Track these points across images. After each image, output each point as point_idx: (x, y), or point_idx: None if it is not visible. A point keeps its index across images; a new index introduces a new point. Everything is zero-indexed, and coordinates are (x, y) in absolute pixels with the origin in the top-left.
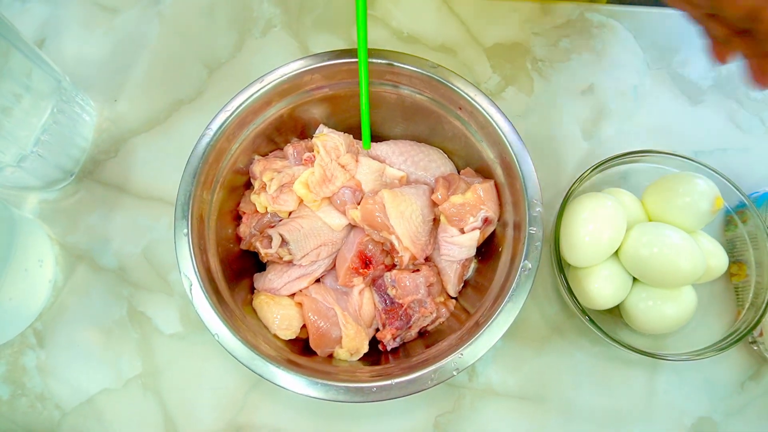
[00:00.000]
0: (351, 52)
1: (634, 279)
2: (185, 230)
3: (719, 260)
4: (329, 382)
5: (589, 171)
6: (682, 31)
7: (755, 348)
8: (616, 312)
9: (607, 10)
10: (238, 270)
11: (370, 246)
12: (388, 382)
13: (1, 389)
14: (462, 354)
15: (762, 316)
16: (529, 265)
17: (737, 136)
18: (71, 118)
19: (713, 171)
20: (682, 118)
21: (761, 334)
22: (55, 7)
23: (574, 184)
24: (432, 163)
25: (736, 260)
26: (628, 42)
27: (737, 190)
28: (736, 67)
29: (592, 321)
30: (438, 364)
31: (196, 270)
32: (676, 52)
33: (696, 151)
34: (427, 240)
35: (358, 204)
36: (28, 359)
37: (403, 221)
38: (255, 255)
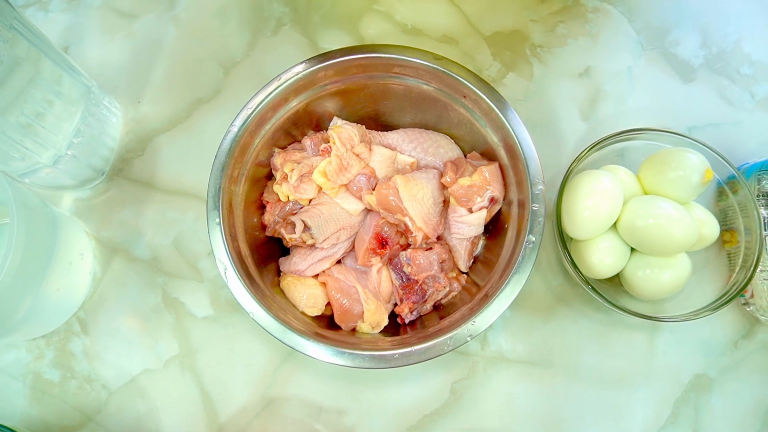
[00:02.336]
0: (361, 49)
1: (632, 249)
2: (217, 219)
3: (711, 229)
4: (355, 351)
5: (586, 150)
6: (673, 12)
7: (748, 309)
8: (616, 280)
9: None
10: (265, 255)
11: (385, 228)
12: (408, 349)
13: (52, 373)
14: (474, 322)
15: (751, 276)
16: (533, 239)
17: (729, 111)
18: (100, 120)
19: (704, 146)
20: (675, 96)
21: (752, 296)
22: (76, 15)
23: (573, 162)
24: (440, 149)
25: (728, 228)
26: (621, 25)
27: (727, 162)
28: (726, 44)
29: (594, 289)
30: (453, 332)
31: (230, 255)
32: (668, 32)
33: (690, 127)
34: (438, 220)
35: (373, 190)
36: (74, 345)
37: (416, 204)
38: (279, 241)
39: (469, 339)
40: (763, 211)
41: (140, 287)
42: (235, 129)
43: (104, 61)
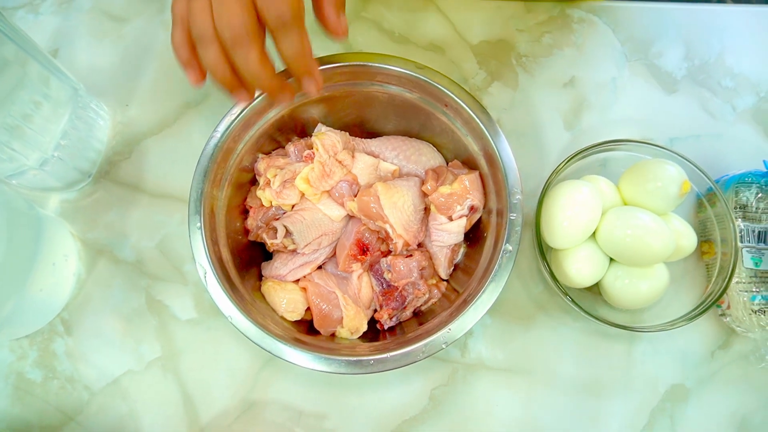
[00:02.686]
0: (345, 57)
1: (611, 259)
2: (198, 224)
3: (689, 240)
4: (331, 356)
5: (565, 161)
6: (657, 24)
7: (725, 320)
8: (595, 290)
9: (586, 5)
10: (247, 259)
11: (366, 234)
12: (384, 355)
13: (34, 373)
14: (450, 329)
15: (726, 286)
16: (510, 248)
17: (710, 123)
18: (87, 123)
19: (683, 158)
20: (658, 107)
21: (729, 307)
22: (66, 18)
23: (552, 172)
24: (422, 157)
25: (706, 239)
26: (606, 36)
27: (704, 175)
28: (708, 56)
29: (572, 300)
30: (428, 339)
31: (210, 259)
32: (652, 44)
33: (672, 138)
34: (418, 228)
35: (355, 196)
36: (57, 345)
37: (396, 211)
38: (262, 245)
39: (444, 346)
40: (740, 223)
41: (124, 289)
42: (218, 134)
43: (93, 64)
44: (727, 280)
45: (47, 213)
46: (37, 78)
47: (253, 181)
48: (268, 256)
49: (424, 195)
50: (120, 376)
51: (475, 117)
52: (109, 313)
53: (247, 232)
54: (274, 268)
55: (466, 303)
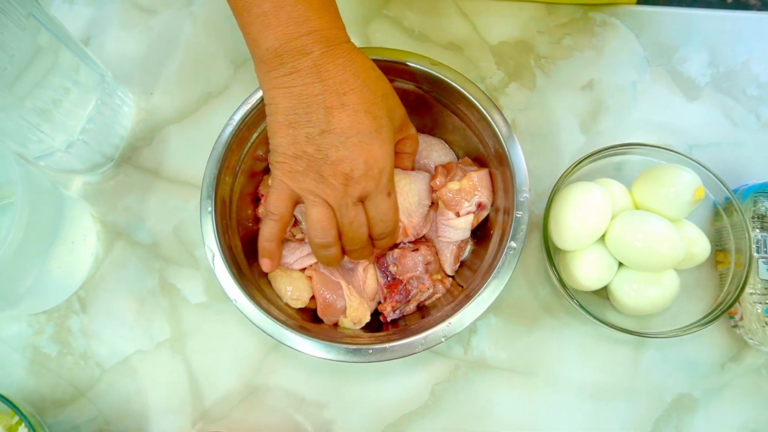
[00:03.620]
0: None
1: (620, 263)
2: (209, 208)
3: (702, 248)
4: (331, 343)
5: (577, 162)
6: (682, 30)
7: (738, 332)
8: (603, 293)
9: (610, 9)
10: (256, 248)
11: None
12: (383, 345)
13: (50, 347)
14: (450, 323)
15: (738, 295)
16: (515, 245)
17: (732, 131)
18: (113, 109)
19: (701, 165)
20: (678, 114)
21: (742, 319)
22: (98, 8)
23: (564, 173)
24: (434, 153)
25: (722, 249)
26: (629, 40)
27: (722, 184)
28: (734, 64)
29: (579, 303)
30: (428, 332)
31: (219, 243)
32: (676, 50)
33: (691, 145)
34: (421, 222)
35: None
36: (73, 322)
37: (400, 196)
38: None
39: (443, 340)
40: (758, 233)
41: (139, 271)
42: (234, 122)
43: (122, 53)
44: (740, 288)
45: (70, 194)
46: (68, 65)
47: (267, 170)
48: None
49: (432, 190)
50: (130, 355)
51: (487, 115)
52: (124, 294)
53: (257, 220)
54: (282, 256)
55: (467, 298)
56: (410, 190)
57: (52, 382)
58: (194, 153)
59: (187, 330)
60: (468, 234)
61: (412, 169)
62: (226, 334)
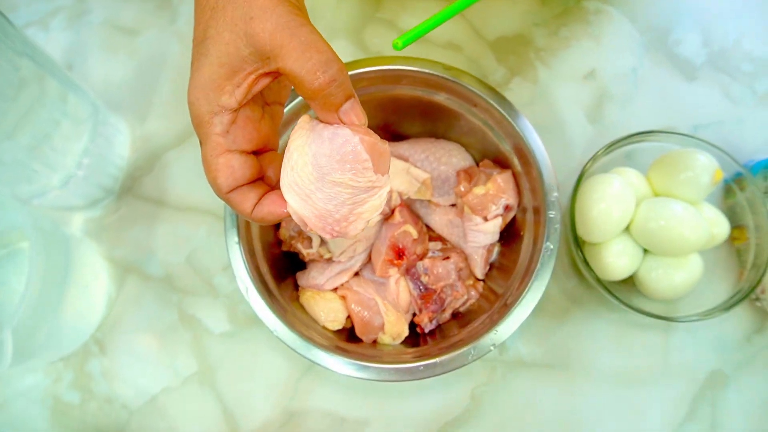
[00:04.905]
0: (368, 62)
1: (645, 250)
2: (236, 239)
3: (721, 228)
4: (379, 365)
5: (592, 158)
6: (673, 12)
7: (758, 304)
8: (629, 281)
9: None
10: (282, 270)
11: (401, 238)
12: (433, 360)
13: (71, 395)
14: (497, 331)
15: (763, 274)
16: (551, 246)
17: (731, 109)
18: (108, 139)
19: (711, 145)
20: (679, 95)
21: (763, 291)
22: (77, 33)
23: (585, 165)
24: (453, 158)
25: (737, 225)
26: (624, 26)
27: (734, 160)
28: (726, 42)
29: (609, 291)
30: (476, 342)
31: (250, 274)
32: (669, 32)
33: (695, 126)
34: (330, 208)
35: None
36: (92, 366)
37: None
38: (295, 255)
39: (492, 348)
40: None
41: (155, 306)
42: None
43: (108, 79)
44: (764, 267)
45: (73, 232)
46: (55, 95)
47: None
48: (302, 264)
49: (458, 196)
50: (157, 393)
51: (506, 115)
52: (143, 331)
53: (280, 242)
54: (311, 277)
55: (507, 305)
56: (302, 154)
57: (78, 430)
58: (198, 176)
59: (214, 361)
60: (497, 237)
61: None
62: (255, 361)
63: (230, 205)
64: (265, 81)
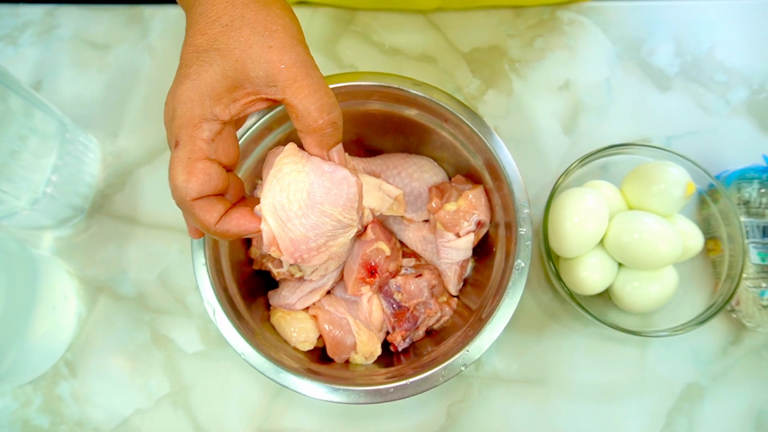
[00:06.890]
0: (339, 77)
1: (620, 264)
2: (203, 260)
3: (696, 240)
4: (349, 387)
5: (565, 172)
6: (646, 22)
7: (734, 316)
8: (605, 295)
9: (576, 6)
10: (253, 289)
11: (373, 255)
12: (404, 382)
13: (41, 419)
14: (468, 350)
15: (737, 286)
16: (522, 264)
17: (705, 119)
18: (77, 157)
19: (684, 157)
20: (653, 106)
21: (738, 303)
22: (46, 48)
23: (558, 180)
24: (425, 174)
25: (711, 236)
26: (597, 36)
27: (706, 173)
28: (699, 52)
29: (582, 306)
30: (447, 362)
31: (218, 296)
32: (642, 42)
33: (669, 136)
34: (308, 236)
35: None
36: (62, 389)
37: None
38: (266, 274)
39: (463, 368)
40: (744, 219)
41: (127, 326)
42: None
43: (79, 95)
44: (737, 279)
45: (41, 252)
46: (20, 112)
47: None
48: (274, 283)
49: (429, 213)
50: (130, 415)
51: (477, 132)
52: (114, 352)
53: (251, 261)
54: (282, 297)
55: (481, 321)
56: (297, 180)
57: None
58: (170, 194)
59: (188, 382)
60: (470, 253)
61: None
62: (229, 381)
63: (192, 213)
64: (261, 105)
